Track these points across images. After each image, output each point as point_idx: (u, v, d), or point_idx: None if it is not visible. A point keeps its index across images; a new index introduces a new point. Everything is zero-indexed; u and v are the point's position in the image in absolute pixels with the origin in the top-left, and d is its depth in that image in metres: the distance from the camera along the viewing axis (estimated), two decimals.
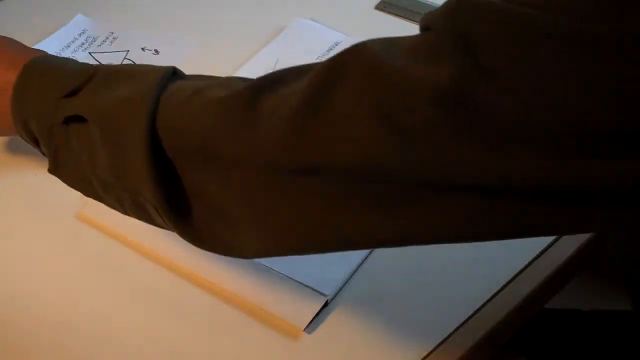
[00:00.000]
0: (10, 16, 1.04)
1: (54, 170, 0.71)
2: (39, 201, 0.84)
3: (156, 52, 0.98)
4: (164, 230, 0.81)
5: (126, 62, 0.98)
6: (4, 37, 0.79)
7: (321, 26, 1.03)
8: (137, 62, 0.98)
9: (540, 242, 0.81)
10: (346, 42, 0.94)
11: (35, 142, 0.72)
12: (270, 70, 0.97)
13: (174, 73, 0.65)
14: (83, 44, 1.00)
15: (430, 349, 0.73)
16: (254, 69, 0.97)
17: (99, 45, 1.00)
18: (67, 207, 0.83)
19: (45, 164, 0.86)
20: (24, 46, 0.79)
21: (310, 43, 0.99)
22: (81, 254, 0.80)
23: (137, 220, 0.81)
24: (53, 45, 1.00)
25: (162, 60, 0.97)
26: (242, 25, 1.04)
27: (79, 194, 0.84)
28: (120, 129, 0.62)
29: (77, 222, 0.82)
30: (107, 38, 1.00)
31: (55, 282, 0.78)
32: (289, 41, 1.01)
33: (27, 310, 0.76)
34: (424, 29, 0.53)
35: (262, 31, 1.02)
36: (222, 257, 0.79)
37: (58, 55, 0.97)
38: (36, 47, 0.96)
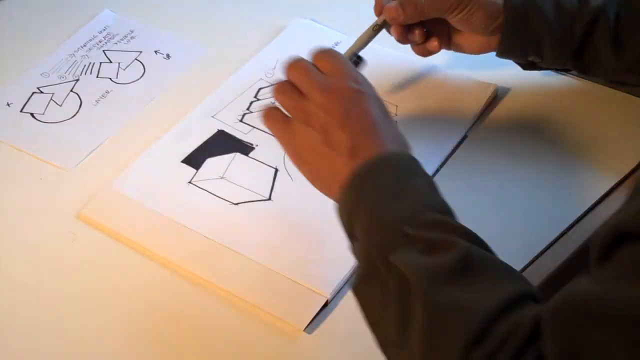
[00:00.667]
0: (38, 12, 1.05)
1: (355, 285, 0.67)
2: (40, 201, 0.85)
3: (167, 56, 0.99)
4: (164, 230, 0.81)
5: (136, 63, 0.98)
6: (368, 94, 0.74)
7: (321, 26, 1.03)
8: (147, 64, 0.98)
9: (540, 242, 0.81)
10: (346, 42, 0.94)
11: (349, 234, 0.69)
12: (270, 71, 0.97)
13: (525, 296, 0.61)
14: (100, 42, 1.00)
15: None
16: (254, 69, 0.97)
17: (115, 43, 1.01)
18: (67, 207, 0.83)
19: (50, 169, 0.87)
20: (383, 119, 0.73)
21: (310, 43, 0.99)
22: (81, 254, 0.80)
23: (136, 221, 0.82)
24: (74, 44, 1.00)
25: (171, 66, 0.98)
26: (242, 25, 1.04)
27: (79, 194, 0.84)
28: (442, 331, 0.58)
29: (78, 222, 0.82)
30: (126, 37, 1.01)
31: (55, 281, 0.78)
32: (289, 41, 1.01)
33: (26, 310, 0.76)
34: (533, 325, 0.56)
35: (262, 31, 1.02)
36: (223, 257, 0.79)
37: (72, 55, 0.98)
38: (63, 44, 0.98)
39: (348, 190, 0.68)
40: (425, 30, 0.90)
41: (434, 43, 0.90)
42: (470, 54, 0.92)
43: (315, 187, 0.74)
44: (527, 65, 0.91)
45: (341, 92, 0.72)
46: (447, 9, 0.86)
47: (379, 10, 0.89)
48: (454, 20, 0.87)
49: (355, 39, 0.86)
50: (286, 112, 0.75)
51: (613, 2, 0.86)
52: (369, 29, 0.88)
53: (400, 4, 0.86)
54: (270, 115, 0.76)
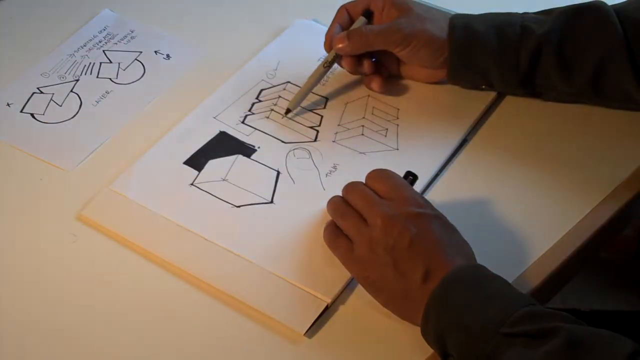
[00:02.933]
0: (38, 12, 1.04)
1: None
2: (40, 202, 0.84)
3: (167, 57, 0.99)
4: (165, 232, 0.81)
5: (136, 63, 0.98)
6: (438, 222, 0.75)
7: (323, 27, 1.02)
8: (147, 64, 0.98)
9: (539, 242, 0.81)
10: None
11: (442, 353, 0.71)
12: (272, 72, 0.98)
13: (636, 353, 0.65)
14: (100, 42, 1.00)
15: (432, 351, 0.73)
16: (256, 70, 0.97)
17: (115, 44, 1.00)
18: (67, 208, 0.83)
19: (50, 170, 0.87)
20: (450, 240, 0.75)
21: (311, 44, 0.99)
22: (81, 255, 0.80)
23: (137, 222, 0.82)
24: (74, 44, 1.00)
25: (171, 66, 0.98)
26: (243, 25, 1.04)
27: (79, 195, 0.84)
28: None
29: (78, 223, 0.82)
30: (126, 37, 1.01)
31: (55, 282, 0.78)
32: (291, 42, 1.01)
33: (26, 310, 0.76)
34: None
35: (264, 32, 1.02)
36: (223, 260, 0.79)
37: (72, 55, 0.98)
38: (63, 44, 0.98)
39: (431, 314, 0.71)
40: (374, 60, 0.93)
41: (381, 76, 0.94)
42: (421, 82, 0.95)
43: (390, 310, 0.75)
44: (483, 90, 0.94)
45: (404, 218, 0.74)
46: (392, 42, 0.90)
47: (328, 45, 0.93)
48: (400, 54, 0.91)
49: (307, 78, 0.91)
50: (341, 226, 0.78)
51: (556, 28, 0.88)
52: (319, 66, 0.93)
53: (347, 35, 0.90)
54: (336, 244, 0.77)
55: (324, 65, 0.92)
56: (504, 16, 0.90)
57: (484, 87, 0.93)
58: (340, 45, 0.90)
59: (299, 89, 0.94)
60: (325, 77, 0.95)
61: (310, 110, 0.93)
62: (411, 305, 0.72)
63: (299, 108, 0.93)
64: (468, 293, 0.70)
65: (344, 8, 0.93)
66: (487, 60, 0.89)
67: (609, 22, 0.87)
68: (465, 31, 0.89)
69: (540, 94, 0.92)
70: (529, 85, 0.90)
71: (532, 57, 0.88)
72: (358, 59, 0.92)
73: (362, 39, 0.90)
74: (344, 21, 0.93)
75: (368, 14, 0.92)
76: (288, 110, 0.92)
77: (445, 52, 0.90)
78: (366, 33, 0.90)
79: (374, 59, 0.93)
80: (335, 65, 0.94)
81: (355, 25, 0.92)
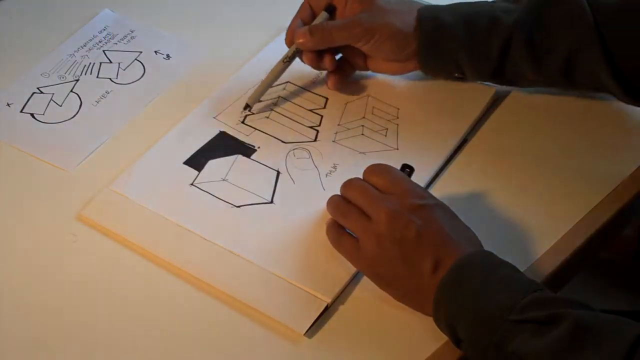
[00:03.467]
0: (38, 12, 1.04)
1: None
2: (40, 202, 0.84)
3: (167, 57, 0.99)
4: (165, 233, 0.81)
5: (136, 63, 0.98)
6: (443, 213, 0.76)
7: None
8: (147, 64, 0.98)
9: (539, 243, 0.82)
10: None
11: (455, 339, 0.72)
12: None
13: None
14: (100, 42, 1.00)
15: (431, 352, 0.74)
16: (255, 70, 0.96)
17: (115, 44, 1.00)
18: (67, 208, 0.83)
19: (50, 170, 0.87)
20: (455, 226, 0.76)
21: None
22: (81, 255, 0.80)
23: (137, 222, 0.82)
24: (74, 44, 1.00)
25: (171, 66, 0.98)
26: (243, 25, 1.04)
27: (79, 195, 0.84)
28: None
29: (78, 223, 0.82)
30: (126, 37, 1.01)
31: (54, 282, 0.78)
32: None
33: (26, 311, 0.76)
34: None
35: (264, 32, 1.02)
36: (223, 260, 0.79)
37: (72, 55, 0.98)
38: (63, 44, 0.98)
39: (441, 302, 0.71)
40: (339, 57, 0.93)
41: (338, 75, 0.93)
42: (390, 75, 0.95)
43: (404, 303, 0.75)
44: (457, 79, 0.94)
45: (407, 210, 0.74)
46: (353, 36, 0.89)
47: (290, 40, 0.92)
48: (364, 48, 0.90)
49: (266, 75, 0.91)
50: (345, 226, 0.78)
51: (525, 18, 0.88)
52: (279, 62, 0.92)
53: (309, 30, 0.89)
54: (342, 243, 0.77)
55: (283, 61, 0.91)
56: (473, 6, 0.90)
57: (456, 75, 0.93)
58: (301, 40, 0.90)
59: (299, 89, 0.94)
60: (319, 74, 0.95)
61: (310, 110, 0.93)
62: (423, 296, 0.73)
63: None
64: (476, 279, 0.70)
65: (306, 3, 0.93)
66: (458, 52, 0.89)
67: (580, 9, 0.86)
68: (434, 22, 0.88)
69: (512, 83, 0.92)
70: (501, 74, 0.90)
71: (502, 47, 0.88)
72: (319, 54, 0.91)
73: (324, 34, 0.89)
74: (306, 16, 0.92)
75: (331, 9, 0.92)
76: (247, 106, 0.91)
77: (411, 45, 0.89)
78: (328, 28, 0.89)
79: (339, 55, 0.93)
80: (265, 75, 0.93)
81: (317, 21, 0.92)
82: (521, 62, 0.88)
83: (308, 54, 0.91)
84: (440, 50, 0.89)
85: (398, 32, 0.89)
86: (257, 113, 0.92)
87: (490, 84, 0.94)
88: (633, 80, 0.86)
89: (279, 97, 0.94)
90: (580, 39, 0.86)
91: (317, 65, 0.92)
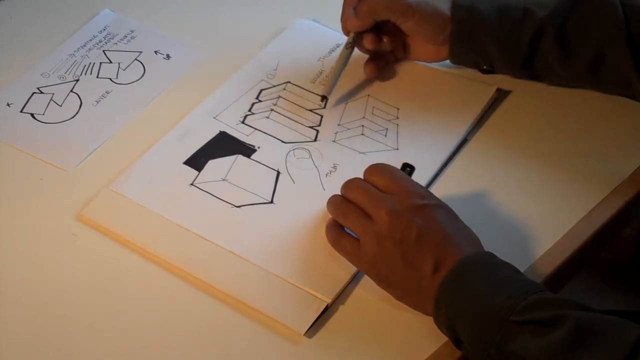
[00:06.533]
0: (38, 12, 1.04)
1: None
2: (40, 202, 0.84)
3: (167, 57, 0.99)
4: (165, 232, 0.81)
5: (136, 63, 0.98)
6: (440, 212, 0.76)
7: (323, 27, 1.02)
8: (147, 64, 0.98)
9: (539, 243, 0.82)
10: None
11: (455, 340, 0.72)
12: (271, 72, 0.98)
13: None
14: (100, 42, 1.00)
15: (431, 352, 0.74)
16: (255, 70, 0.97)
17: (115, 44, 1.00)
18: (67, 208, 0.83)
19: (50, 170, 0.87)
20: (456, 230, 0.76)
21: (311, 44, 0.99)
22: (81, 255, 0.80)
23: (137, 222, 0.82)
24: (74, 44, 1.00)
25: (171, 66, 0.98)
26: (243, 25, 1.04)
27: (79, 195, 0.84)
28: None
29: (78, 223, 0.82)
30: (126, 36, 1.01)
31: (54, 282, 0.78)
32: (290, 42, 1.01)
33: (26, 310, 0.76)
34: None
35: (264, 32, 1.02)
36: (223, 260, 0.79)
37: (72, 55, 0.98)
38: (63, 44, 0.98)
39: (442, 303, 0.71)
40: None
41: (377, 64, 0.95)
42: (426, 62, 0.96)
43: (405, 303, 0.75)
44: (485, 71, 0.95)
45: (409, 211, 0.74)
46: (396, 10, 0.90)
47: (346, 29, 0.94)
48: (404, 25, 0.91)
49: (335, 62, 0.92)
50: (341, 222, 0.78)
51: (558, 12, 0.88)
52: (343, 49, 0.93)
53: (354, 11, 0.91)
54: (341, 243, 0.77)
55: (346, 47, 0.93)
56: None
57: (485, 67, 0.94)
58: (350, 22, 0.92)
59: (299, 89, 0.94)
60: (324, 77, 0.95)
61: (310, 110, 0.93)
62: (424, 296, 0.73)
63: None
64: (477, 280, 0.70)
65: None
66: (488, 41, 0.90)
67: (612, 6, 0.87)
68: (468, 10, 0.90)
69: (540, 77, 0.93)
70: (530, 67, 0.91)
71: (533, 39, 0.89)
72: (378, 37, 0.93)
73: (369, 9, 0.91)
74: (354, 3, 0.93)
75: None
76: (324, 97, 0.92)
77: (448, 29, 0.91)
78: (371, 3, 0.91)
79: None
80: (331, 66, 0.94)
81: None
82: (550, 55, 0.89)
83: (368, 36, 0.93)
84: (472, 37, 0.90)
85: (438, 13, 0.90)
86: (257, 113, 0.92)
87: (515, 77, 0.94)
88: None
89: (279, 96, 0.94)
90: (610, 36, 0.87)
91: (377, 46, 0.93)
